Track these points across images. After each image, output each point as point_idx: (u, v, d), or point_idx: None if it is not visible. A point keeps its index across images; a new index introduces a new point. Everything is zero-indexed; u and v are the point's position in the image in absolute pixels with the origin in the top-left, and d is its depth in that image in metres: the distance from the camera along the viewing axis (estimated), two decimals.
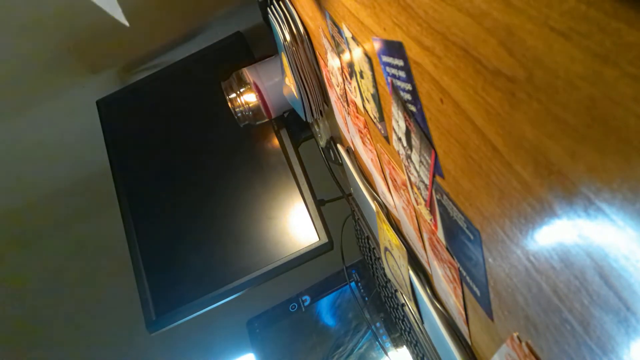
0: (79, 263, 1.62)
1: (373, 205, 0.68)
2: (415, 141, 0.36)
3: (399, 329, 0.94)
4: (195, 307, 0.94)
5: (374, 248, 0.84)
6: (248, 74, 0.91)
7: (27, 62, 1.12)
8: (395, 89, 0.36)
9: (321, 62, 0.69)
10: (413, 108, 0.34)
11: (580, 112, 0.17)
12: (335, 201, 1.02)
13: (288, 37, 0.70)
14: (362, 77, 0.45)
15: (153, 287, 0.97)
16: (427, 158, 0.35)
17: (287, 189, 1.00)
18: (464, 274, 0.38)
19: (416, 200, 0.44)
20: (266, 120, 0.96)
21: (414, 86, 0.32)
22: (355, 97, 0.53)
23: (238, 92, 0.92)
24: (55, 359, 1.64)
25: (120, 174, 1.09)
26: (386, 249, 0.69)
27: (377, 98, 0.43)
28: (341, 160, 0.85)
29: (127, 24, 0.45)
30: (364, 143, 0.61)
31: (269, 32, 0.86)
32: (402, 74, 0.33)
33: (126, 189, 1.07)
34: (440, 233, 0.40)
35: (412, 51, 0.30)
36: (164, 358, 1.58)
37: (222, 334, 1.43)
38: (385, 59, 0.36)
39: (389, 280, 0.80)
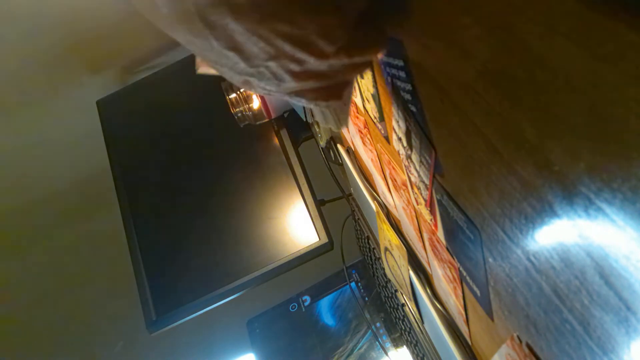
0: (78, 263, 1.62)
1: (373, 205, 0.68)
2: (415, 141, 0.36)
3: (399, 329, 0.94)
4: (195, 307, 0.94)
5: (374, 248, 0.84)
6: None
7: (27, 62, 1.12)
8: (395, 89, 0.36)
9: None
10: (413, 108, 0.34)
11: (581, 112, 0.17)
12: (335, 201, 1.02)
13: None
14: (362, 77, 0.45)
15: (153, 287, 0.97)
16: (428, 158, 0.35)
17: (287, 189, 1.00)
18: (464, 274, 0.38)
19: (416, 200, 0.44)
20: (266, 120, 0.96)
21: (414, 86, 0.32)
22: (355, 97, 0.53)
23: (238, 92, 0.92)
24: (56, 359, 1.64)
25: (120, 174, 1.09)
26: (386, 249, 0.69)
27: (377, 98, 0.43)
28: (341, 160, 0.85)
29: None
30: (364, 143, 0.61)
31: None
32: (402, 74, 0.33)
33: (126, 189, 1.07)
34: (440, 233, 0.40)
35: (413, 51, 0.30)
36: (164, 358, 1.58)
37: (222, 334, 1.43)
38: (386, 59, 0.36)
39: (389, 280, 0.80)
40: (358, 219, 0.90)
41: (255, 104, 0.92)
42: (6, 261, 1.56)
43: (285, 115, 1.00)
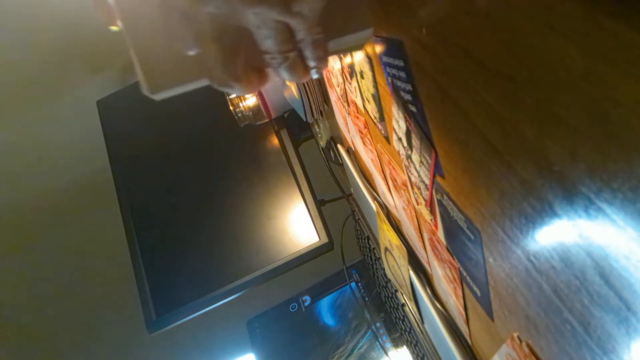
0: (79, 263, 1.62)
1: (373, 205, 0.68)
2: (415, 141, 0.36)
3: (399, 329, 0.94)
4: (196, 307, 0.94)
5: (374, 248, 0.84)
6: None
7: (27, 62, 1.12)
8: (395, 89, 0.36)
9: None
10: (413, 108, 0.34)
11: (581, 112, 0.17)
12: (335, 201, 1.02)
13: None
14: (362, 77, 0.45)
15: (153, 287, 0.97)
16: (428, 158, 0.35)
17: (287, 189, 1.00)
18: (464, 274, 0.38)
19: (416, 200, 0.44)
20: (266, 120, 0.96)
21: (414, 86, 0.32)
22: (356, 97, 0.53)
23: None
24: (56, 359, 1.64)
25: (120, 174, 1.09)
26: (386, 249, 0.69)
27: (377, 98, 0.43)
28: (341, 160, 0.85)
29: None
30: (364, 143, 0.61)
31: None
32: (402, 74, 0.33)
33: (126, 188, 1.07)
34: (440, 233, 0.40)
35: (413, 51, 0.30)
36: (164, 358, 1.58)
37: (222, 334, 1.43)
38: (386, 59, 0.36)
39: (389, 280, 0.80)
40: (358, 219, 0.90)
41: (255, 104, 0.92)
42: (6, 261, 1.56)
43: (285, 115, 1.00)
